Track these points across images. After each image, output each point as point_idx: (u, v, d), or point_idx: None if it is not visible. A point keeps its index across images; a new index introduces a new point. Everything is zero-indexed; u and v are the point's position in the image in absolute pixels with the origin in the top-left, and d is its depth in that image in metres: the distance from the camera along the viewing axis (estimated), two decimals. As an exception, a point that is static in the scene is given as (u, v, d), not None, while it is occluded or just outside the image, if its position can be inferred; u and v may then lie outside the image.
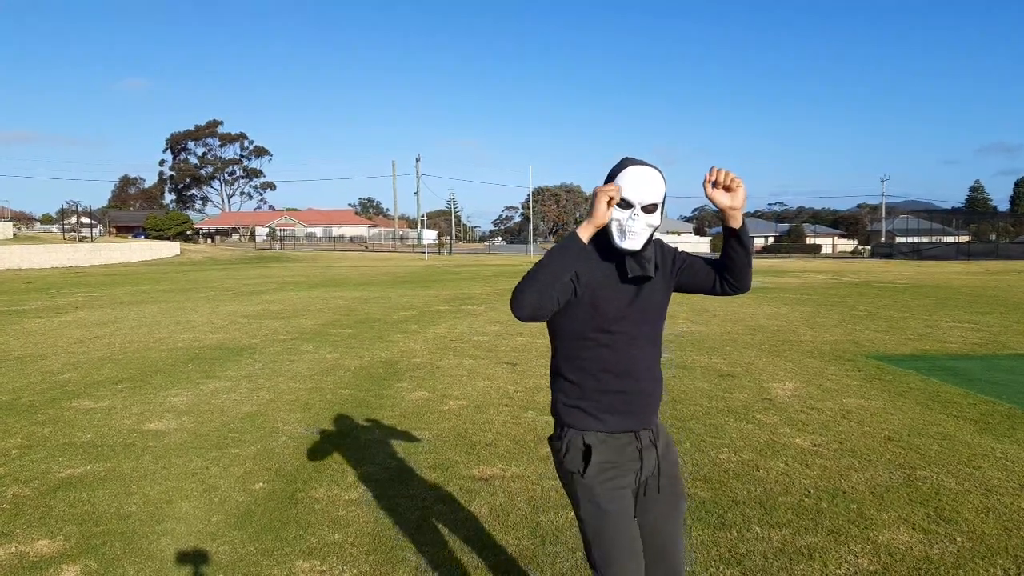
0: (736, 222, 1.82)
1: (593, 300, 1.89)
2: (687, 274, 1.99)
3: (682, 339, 8.93)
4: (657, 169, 1.87)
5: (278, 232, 72.68)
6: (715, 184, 1.81)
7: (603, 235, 1.89)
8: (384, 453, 4.43)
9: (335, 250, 59.04)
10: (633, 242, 1.84)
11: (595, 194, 1.78)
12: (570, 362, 1.94)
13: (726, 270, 1.93)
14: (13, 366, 7.38)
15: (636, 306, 1.91)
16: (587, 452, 1.89)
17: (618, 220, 1.84)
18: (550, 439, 2.01)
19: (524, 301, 1.78)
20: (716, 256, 1.99)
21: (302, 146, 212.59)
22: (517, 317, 1.80)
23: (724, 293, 1.98)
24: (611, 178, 1.88)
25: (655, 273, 1.92)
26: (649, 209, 1.83)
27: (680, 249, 2.04)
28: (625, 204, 1.83)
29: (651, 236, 1.88)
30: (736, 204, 1.81)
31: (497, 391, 6.11)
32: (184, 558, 3.05)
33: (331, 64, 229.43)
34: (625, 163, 1.88)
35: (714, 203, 1.82)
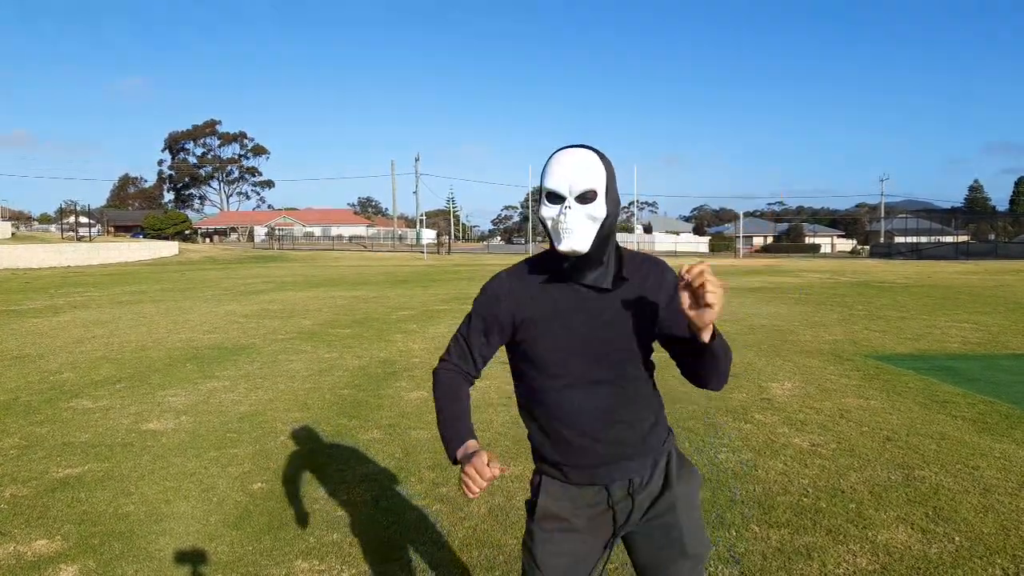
0: (704, 336, 1.44)
1: (534, 336, 1.59)
2: (672, 324, 1.59)
3: (681, 339, 8.93)
4: (592, 149, 1.53)
5: (277, 232, 72.59)
6: (686, 286, 1.38)
7: (545, 260, 1.62)
8: (383, 453, 4.43)
9: (334, 250, 59.00)
10: (574, 241, 1.50)
11: (471, 465, 1.45)
12: (523, 409, 1.70)
13: (685, 364, 1.61)
14: (11, 366, 7.37)
15: (587, 336, 1.57)
16: (536, 491, 1.67)
17: (551, 219, 1.52)
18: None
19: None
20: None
21: (301, 146, 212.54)
22: None
23: (684, 376, 1.65)
24: (540, 176, 1.56)
25: (613, 285, 1.57)
26: (586, 198, 1.49)
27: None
28: (555, 197, 1.52)
29: (599, 233, 1.52)
30: (702, 323, 1.40)
31: (496, 391, 6.11)
32: (183, 558, 3.04)
33: (330, 64, 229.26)
34: (554, 153, 1.55)
35: (683, 311, 1.42)
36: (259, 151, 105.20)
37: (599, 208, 1.51)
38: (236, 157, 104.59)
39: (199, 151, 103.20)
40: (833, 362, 7.39)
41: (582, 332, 1.57)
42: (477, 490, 1.44)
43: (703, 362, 1.53)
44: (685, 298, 1.39)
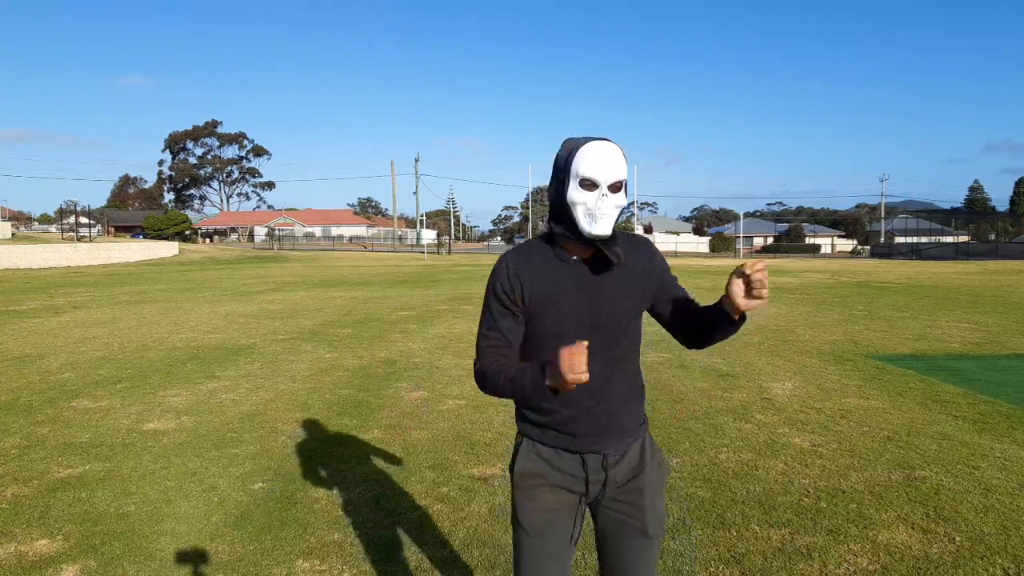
0: (737, 316, 1.61)
1: (541, 310, 1.70)
2: (662, 292, 1.78)
3: (681, 339, 8.93)
4: (616, 144, 1.67)
5: (277, 232, 72.62)
6: (745, 278, 1.54)
7: (546, 242, 1.75)
8: (383, 453, 4.43)
9: (334, 250, 59.00)
10: (604, 226, 1.63)
11: (561, 369, 1.45)
12: None
13: (696, 328, 1.73)
14: (11, 366, 7.37)
15: (587, 311, 1.70)
16: (516, 453, 1.80)
17: (584, 204, 1.62)
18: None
19: (486, 390, 1.71)
20: (690, 291, 1.79)
21: (301, 146, 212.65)
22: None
23: (675, 338, 1.80)
24: (567, 161, 1.65)
25: (623, 270, 1.71)
26: (615, 187, 1.64)
27: (662, 256, 1.82)
28: (590, 184, 1.62)
29: (618, 219, 1.68)
30: (745, 308, 1.57)
31: (496, 391, 6.12)
32: (183, 557, 3.05)
33: (331, 64, 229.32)
34: (579, 142, 1.66)
35: (731, 295, 1.56)
36: (259, 152, 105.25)
37: (623, 198, 1.67)
38: (237, 158, 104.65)
39: (199, 151, 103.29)
40: (834, 362, 7.39)
41: (585, 308, 1.70)
42: (582, 368, 1.43)
43: (715, 327, 1.67)
44: (740, 286, 1.54)
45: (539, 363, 1.57)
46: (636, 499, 1.77)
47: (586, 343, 1.48)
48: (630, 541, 1.78)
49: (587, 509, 1.82)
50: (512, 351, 1.73)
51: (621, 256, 1.67)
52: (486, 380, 1.68)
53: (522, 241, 1.91)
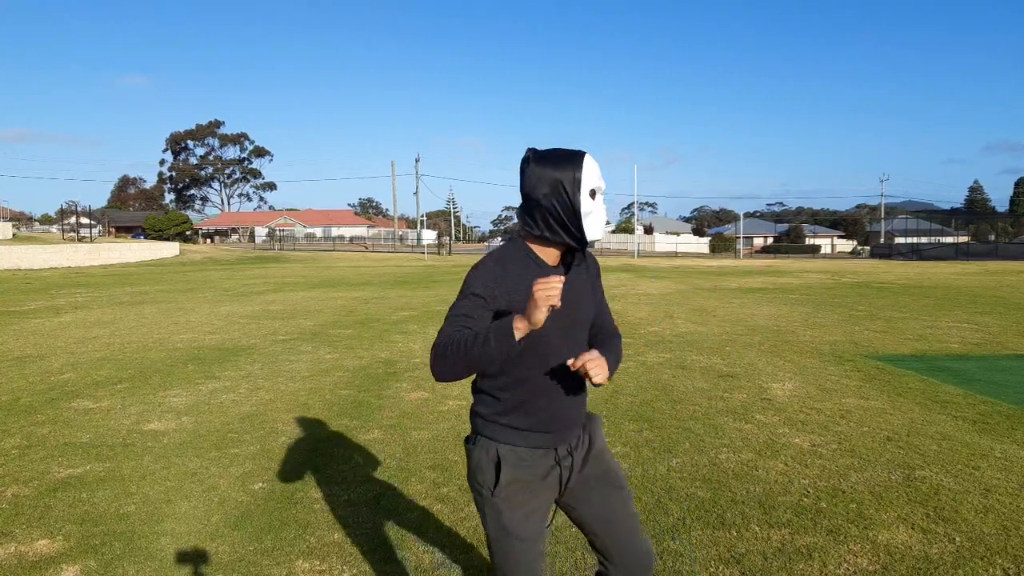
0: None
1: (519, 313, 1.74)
2: (599, 300, 2.00)
3: (681, 339, 8.94)
4: None
5: (277, 232, 72.63)
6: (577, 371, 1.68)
7: (520, 250, 1.79)
8: (383, 453, 4.43)
9: (334, 250, 59.01)
10: (600, 231, 1.77)
11: (534, 297, 1.52)
12: (492, 378, 1.83)
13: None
14: (12, 366, 7.37)
15: (563, 320, 1.78)
16: (498, 466, 1.80)
17: (593, 212, 1.74)
18: (465, 440, 1.91)
19: (440, 374, 1.66)
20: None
21: (302, 146, 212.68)
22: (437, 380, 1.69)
23: None
24: (574, 173, 1.71)
25: (584, 273, 1.90)
26: (600, 193, 1.79)
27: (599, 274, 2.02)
28: (595, 194, 1.75)
29: None
30: (598, 384, 1.69)
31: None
32: (184, 558, 3.05)
33: (331, 64, 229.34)
34: (571, 154, 1.74)
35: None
36: (260, 153, 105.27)
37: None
38: (238, 159, 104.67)
39: (201, 151, 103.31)
40: (833, 362, 7.39)
41: (561, 311, 1.74)
42: (555, 293, 1.51)
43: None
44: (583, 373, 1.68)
45: (505, 322, 1.57)
46: (600, 463, 1.94)
47: (562, 277, 1.56)
48: (616, 499, 1.92)
49: (558, 503, 1.94)
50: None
51: (579, 262, 1.86)
52: (446, 352, 1.62)
53: (499, 245, 1.97)
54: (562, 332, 1.80)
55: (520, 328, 1.55)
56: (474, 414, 1.88)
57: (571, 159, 1.72)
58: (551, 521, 1.95)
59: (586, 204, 1.72)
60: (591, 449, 1.94)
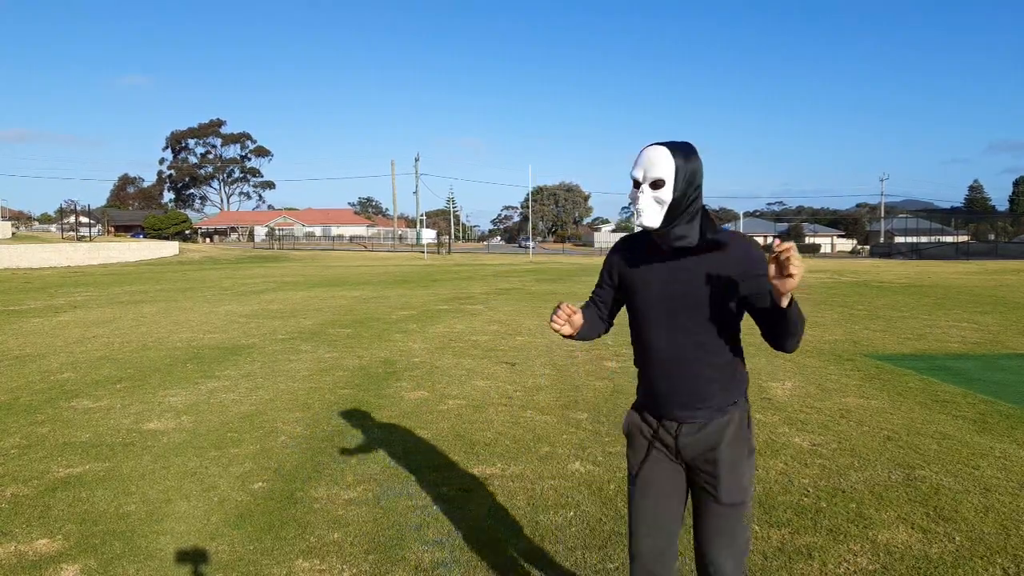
0: (783, 302, 1.74)
1: (629, 287, 2.02)
2: (753, 295, 1.86)
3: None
4: (671, 146, 1.86)
5: (277, 232, 72.59)
6: (773, 259, 1.68)
7: (643, 234, 1.99)
8: (383, 453, 4.43)
9: (334, 250, 58.99)
10: (647, 219, 1.85)
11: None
12: (633, 347, 2.09)
13: (765, 327, 1.89)
14: (11, 366, 7.37)
15: (668, 291, 1.91)
16: (628, 413, 2.12)
17: (633, 201, 1.89)
18: None
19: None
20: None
21: (301, 146, 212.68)
22: None
23: (764, 339, 1.92)
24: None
25: (695, 249, 1.87)
26: (656, 184, 1.83)
27: (764, 261, 1.86)
28: (634, 183, 1.88)
29: (671, 213, 1.84)
30: (784, 289, 1.71)
31: (496, 391, 6.11)
32: (183, 557, 3.05)
33: (331, 64, 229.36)
34: (644, 148, 1.91)
35: (770, 280, 1.72)
36: (261, 152, 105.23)
37: (666, 193, 1.83)
38: (238, 158, 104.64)
39: (201, 150, 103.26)
40: (833, 362, 7.39)
41: (662, 289, 1.93)
42: (558, 318, 1.99)
43: (781, 325, 1.82)
44: (772, 268, 1.69)
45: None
46: (712, 469, 1.95)
47: (567, 305, 1.98)
48: (708, 505, 1.99)
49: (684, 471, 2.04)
50: (593, 308, 2.15)
51: (668, 246, 1.89)
52: None
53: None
54: (663, 310, 1.93)
55: None
56: None
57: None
58: (673, 490, 2.03)
59: (631, 193, 1.91)
60: (710, 452, 1.94)
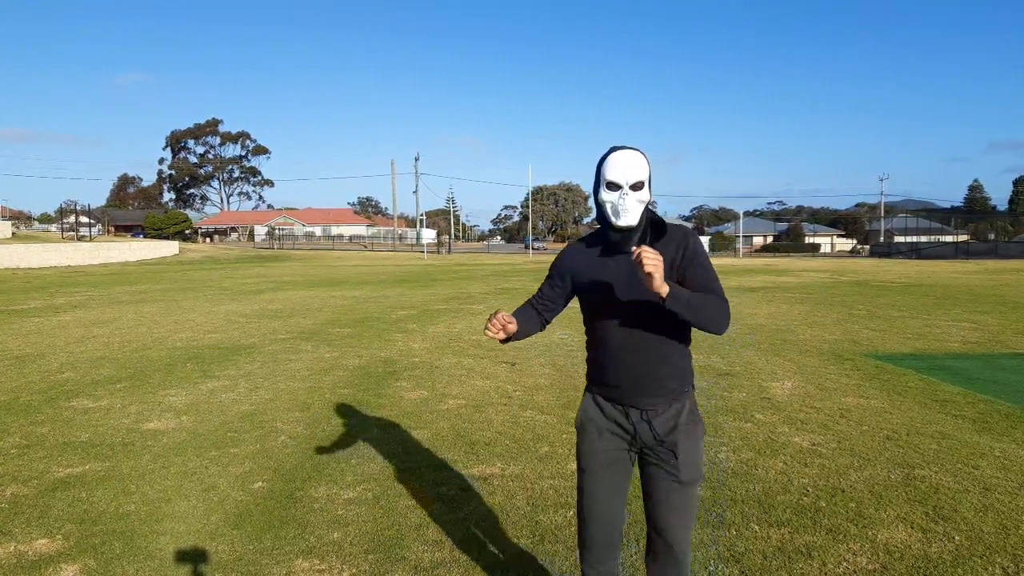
0: (658, 297, 1.90)
1: (583, 284, 2.14)
2: (685, 281, 2.03)
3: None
4: (638, 150, 2.04)
5: (277, 231, 72.59)
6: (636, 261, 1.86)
7: (596, 235, 2.13)
8: (383, 452, 4.43)
9: (334, 249, 58.99)
10: (628, 219, 2.01)
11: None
12: (586, 337, 2.23)
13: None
14: (11, 365, 7.37)
15: (622, 285, 2.04)
16: (582, 406, 2.22)
17: (611, 202, 2.02)
18: None
19: None
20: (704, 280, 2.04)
21: (301, 145, 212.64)
22: None
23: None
24: (598, 169, 2.05)
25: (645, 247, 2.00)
26: (636, 187, 2.00)
27: (698, 249, 2.07)
28: (614, 187, 2.01)
29: (643, 212, 2.04)
30: (649, 286, 1.86)
31: (496, 390, 6.11)
32: (183, 557, 3.05)
33: (331, 64, 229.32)
34: (610, 151, 2.05)
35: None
36: (260, 151, 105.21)
37: (645, 194, 2.03)
38: (238, 157, 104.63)
39: (200, 150, 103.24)
40: (833, 361, 7.39)
41: (619, 286, 2.05)
42: (492, 327, 2.07)
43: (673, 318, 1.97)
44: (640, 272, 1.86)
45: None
46: (673, 450, 2.09)
47: (502, 314, 2.05)
48: (666, 485, 2.10)
49: (635, 457, 2.17)
50: (531, 310, 2.29)
51: (633, 245, 2.00)
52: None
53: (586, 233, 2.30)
54: (626, 296, 2.04)
55: None
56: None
57: (602, 157, 2.05)
58: (622, 474, 2.17)
59: (604, 195, 2.03)
60: (670, 434, 2.09)
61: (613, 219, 2.02)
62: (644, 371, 2.08)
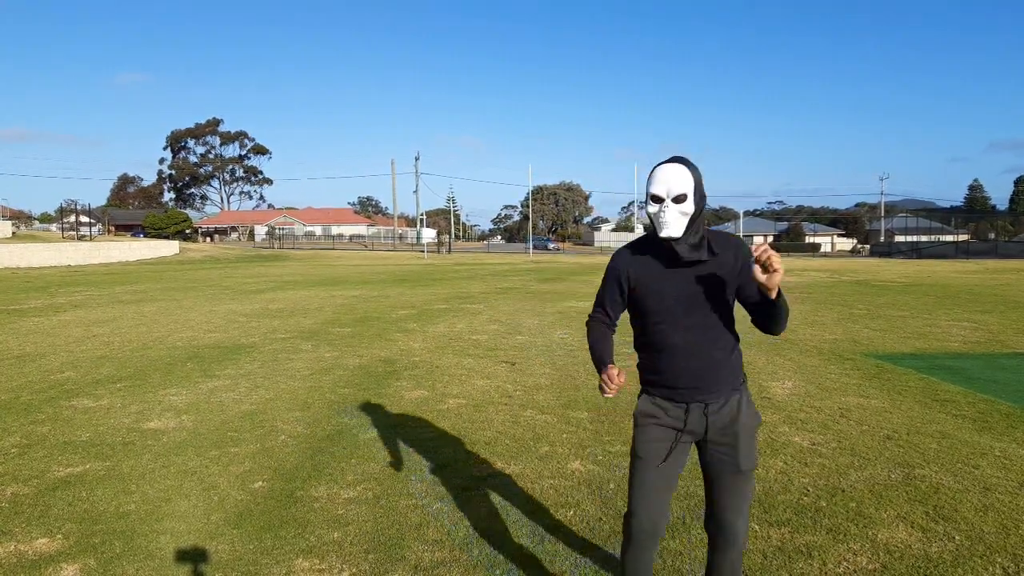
0: (771, 295, 2.03)
1: (644, 293, 2.21)
2: (747, 290, 2.16)
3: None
4: (684, 163, 2.11)
5: (277, 231, 72.59)
6: (757, 261, 1.95)
7: (653, 239, 2.18)
8: (383, 452, 4.43)
9: (334, 249, 58.99)
10: (670, 230, 2.08)
11: (605, 375, 2.12)
12: (637, 340, 2.31)
13: (757, 316, 2.18)
14: (12, 365, 7.37)
15: (683, 294, 2.15)
16: (639, 407, 2.30)
17: (653, 214, 2.10)
18: None
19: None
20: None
21: (301, 145, 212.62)
22: None
23: (755, 326, 2.23)
24: (646, 183, 2.14)
25: (707, 258, 2.13)
26: (679, 199, 2.07)
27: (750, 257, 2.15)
28: (656, 199, 2.09)
29: (691, 223, 2.10)
30: (771, 285, 1.98)
31: (496, 390, 6.11)
32: (183, 556, 3.05)
33: (331, 64, 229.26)
34: (657, 166, 2.13)
35: (756, 278, 1.99)
36: (260, 151, 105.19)
37: (689, 206, 2.09)
38: (238, 157, 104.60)
39: (201, 150, 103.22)
40: (833, 361, 7.39)
41: (677, 292, 2.16)
42: (611, 390, 2.09)
43: (771, 314, 2.11)
44: (757, 269, 1.96)
45: (605, 362, 2.20)
46: (732, 441, 2.22)
47: (622, 376, 2.08)
48: (727, 474, 2.23)
49: (692, 447, 2.29)
50: (602, 326, 2.34)
51: (695, 255, 2.11)
52: (588, 332, 2.36)
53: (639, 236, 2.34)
54: (682, 302, 2.15)
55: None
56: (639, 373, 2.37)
57: (651, 172, 2.13)
58: (676, 463, 2.26)
59: (649, 207, 2.12)
60: (731, 425, 2.22)
61: (658, 230, 2.10)
62: (704, 372, 2.19)
